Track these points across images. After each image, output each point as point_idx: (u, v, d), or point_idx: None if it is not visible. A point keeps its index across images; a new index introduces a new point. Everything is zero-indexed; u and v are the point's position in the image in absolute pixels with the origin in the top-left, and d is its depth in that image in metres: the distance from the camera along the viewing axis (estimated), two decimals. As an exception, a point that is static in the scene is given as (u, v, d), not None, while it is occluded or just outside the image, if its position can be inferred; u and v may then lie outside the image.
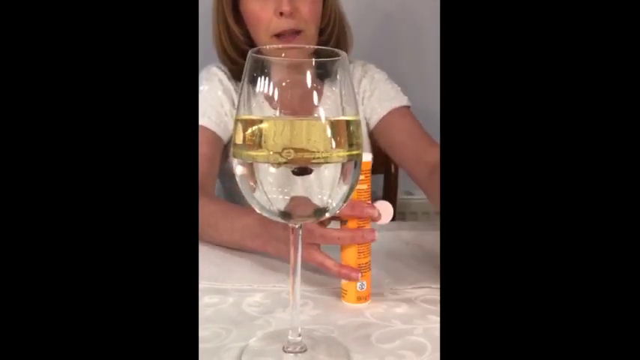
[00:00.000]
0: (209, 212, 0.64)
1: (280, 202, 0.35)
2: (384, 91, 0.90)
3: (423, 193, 0.81)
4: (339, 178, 0.34)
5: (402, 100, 0.90)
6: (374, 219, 0.47)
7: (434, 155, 0.77)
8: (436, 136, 0.83)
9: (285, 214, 0.36)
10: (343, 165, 0.34)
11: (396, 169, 1.16)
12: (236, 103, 0.85)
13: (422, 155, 0.80)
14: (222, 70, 0.88)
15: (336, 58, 0.35)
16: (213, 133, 0.82)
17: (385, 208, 0.48)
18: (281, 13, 0.76)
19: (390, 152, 0.90)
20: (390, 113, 0.88)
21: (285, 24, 0.77)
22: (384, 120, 0.88)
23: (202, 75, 0.88)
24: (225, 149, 0.87)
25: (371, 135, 0.93)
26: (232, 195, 0.94)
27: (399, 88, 0.92)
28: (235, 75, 0.87)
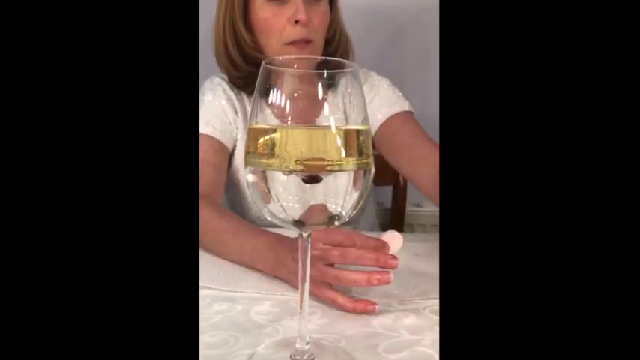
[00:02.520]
0: (219, 229, 0.64)
1: (290, 210, 0.35)
2: (385, 97, 0.88)
3: (427, 197, 0.79)
4: (350, 186, 0.35)
5: (404, 105, 0.87)
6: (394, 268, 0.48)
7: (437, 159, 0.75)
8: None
9: (296, 222, 0.36)
10: (354, 173, 0.35)
11: (405, 181, 1.15)
12: (238, 111, 0.86)
13: (428, 156, 0.78)
14: (225, 80, 0.88)
15: (348, 69, 0.35)
16: (219, 142, 0.82)
17: (395, 240, 0.50)
18: (296, 21, 0.76)
19: (393, 157, 0.86)
20: (391, 119, 0.86)
21: (298, 33, 0.77)
22: (384, 125, 0.86)
23: (206, 85, 0.89)
24: (229, 158, 0.87)
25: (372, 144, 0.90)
26: (234, 204, 0.94)
27: (400, 94, 0.89)
28: (237, 84, 0.86)
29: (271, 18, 0.78)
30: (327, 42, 0.85)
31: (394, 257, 0.48)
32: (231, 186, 0.91)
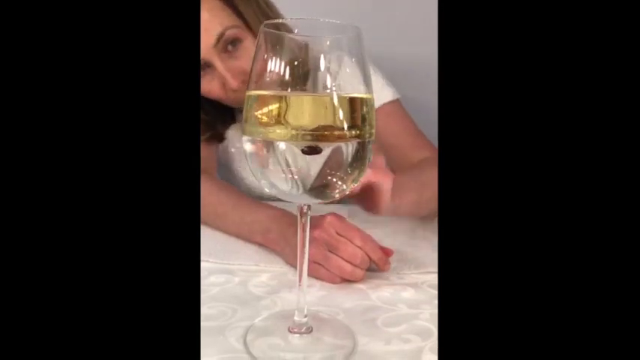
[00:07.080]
0: (218, 201, 0.63)
1: (289, 181, 0.34)
2: None
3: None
4: (351, 158, 0.34)
5: (387, 96, 0.78)
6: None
7: (418, 156, 0.75)
8: (432, 128, 0.79)
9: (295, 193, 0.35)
10: (355, 144, 0.34)
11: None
12: None
13: (407, 156, 0.76)
14: None
15: (350, 34, 0.34)
16: None
17: None
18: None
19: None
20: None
21: (235, 101, 0.72)
22: None
23: None
24: None
25: None
26: (226, 180, 0.93)
27: (384, 81, 0.79)
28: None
29: (208, 91, 0.72)
30: None
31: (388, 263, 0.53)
32: (221, 164, 0.90)
